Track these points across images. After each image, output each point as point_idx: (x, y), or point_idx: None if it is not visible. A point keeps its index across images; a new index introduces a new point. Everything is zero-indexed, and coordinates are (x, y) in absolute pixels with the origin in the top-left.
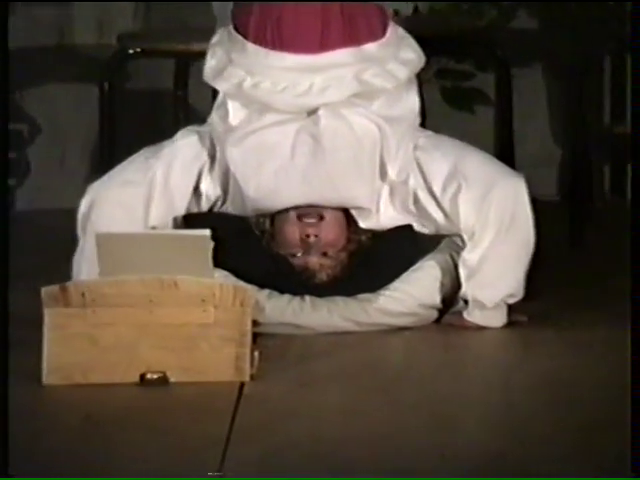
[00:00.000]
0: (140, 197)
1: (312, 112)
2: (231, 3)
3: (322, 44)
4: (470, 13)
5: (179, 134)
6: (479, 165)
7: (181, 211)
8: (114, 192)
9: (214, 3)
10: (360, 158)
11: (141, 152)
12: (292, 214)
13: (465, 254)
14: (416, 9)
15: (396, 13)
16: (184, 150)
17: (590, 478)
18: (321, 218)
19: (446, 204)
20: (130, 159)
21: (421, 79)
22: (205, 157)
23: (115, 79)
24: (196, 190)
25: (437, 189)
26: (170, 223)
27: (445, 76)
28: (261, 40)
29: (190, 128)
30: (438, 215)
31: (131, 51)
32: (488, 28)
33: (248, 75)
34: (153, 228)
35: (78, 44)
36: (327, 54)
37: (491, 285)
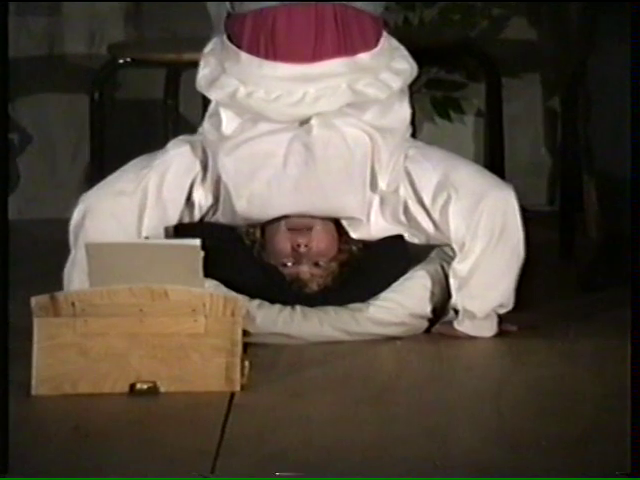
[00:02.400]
0: (133, 207)
1: (305, 121)
2: (226, 4)
3: (315, 54)
4: (461, 24)
5: (171, 144)
6: (469, 176)
7: (174, 221)
8: (107, 202)
9: (209, 3)
10: (351, 168)
11: (133, 162)
12: (283, 224)
13: (455, 264)
14: (406, 20)
15: (386, 24)
16: (177, 160)
17: None
18: (310, 229)
19: (436, 215)
20: (122, 169)
21: (412, 89)
22: (198, 167)
23: (105, 89)
24: (188, 200)
25: (427, 200)
26: (162, 233)
27: (435, 86)
28: (255, 50)
29: (182, 138)
30: (428, 225)
31: (121, 61)
32: (479, 38)
33: (241, 84)
34: (146, 238)
35: (69, 53)
36: (320, 64)
37: (481, 295)
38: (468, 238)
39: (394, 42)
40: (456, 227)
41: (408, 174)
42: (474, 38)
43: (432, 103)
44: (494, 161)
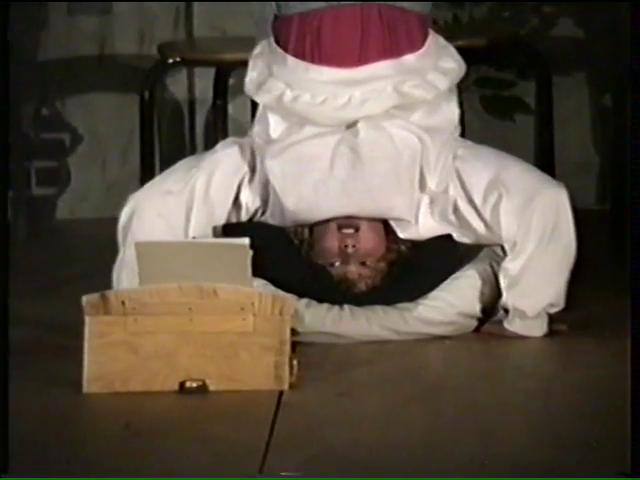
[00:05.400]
0: (180, 207)
1: (351, 124)
2: (272, 5)
3: (361, 57)
4: (511, 21)
5: (220, 145)
6: (520, 175)
7: (221, 222)
8: (155, 202)
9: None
10: (399, 169)
11: (182, 162)
12: (331, 224)
13: (506, 263)
14: (455, 17)
15: (435, 22)
16: (225, 161)
17: None
18: (358, 230)
19: (487, 214)
20: (171, 169)
21: (461, 88)
22: (245, 169)
23: (155, 88)
24: (236, 201)
25: (478, 199)
26: (209, 233)
27: (485, 84)
28: (301, 54)
29: (231, 139)
30: (478, 225)
31: (171, 60)
32: (529, 36)
33: (288, 88)
34: (193, 238)
35: (119, 54)
36: (366, 67)
37: (532, 295)
38: (519, 237)
39: (442, 40)
40: (507, 226)
41: (458, 174)
42: (524, 35)
43: (482, 101)
44: (544, 159)
